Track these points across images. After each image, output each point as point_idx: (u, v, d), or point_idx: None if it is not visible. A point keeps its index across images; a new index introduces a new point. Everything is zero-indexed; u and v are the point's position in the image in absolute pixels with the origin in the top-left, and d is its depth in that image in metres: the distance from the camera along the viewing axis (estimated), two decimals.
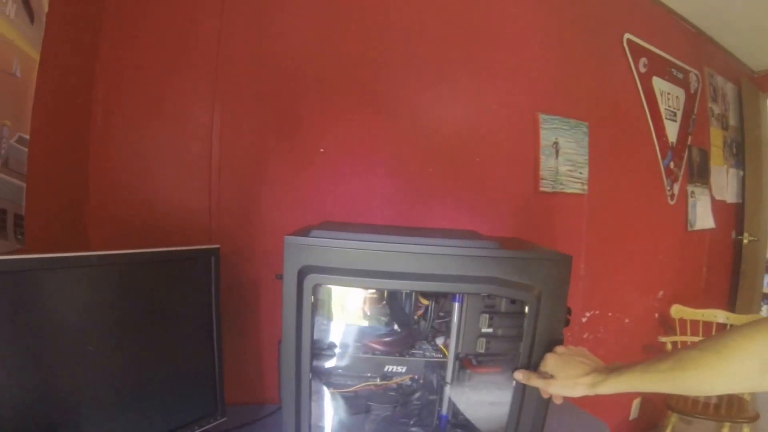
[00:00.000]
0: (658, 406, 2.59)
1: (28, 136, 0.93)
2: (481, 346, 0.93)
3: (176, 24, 1.25)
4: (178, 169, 1.26)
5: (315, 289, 0.80)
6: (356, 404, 1.00)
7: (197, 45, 1.26)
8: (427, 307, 0.97)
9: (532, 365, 0.84)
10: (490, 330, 0.93)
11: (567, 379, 0.76)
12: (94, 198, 1.18)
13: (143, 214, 1.22)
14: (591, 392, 0.75)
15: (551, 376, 0.79)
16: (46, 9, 0.98)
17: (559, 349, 0.82)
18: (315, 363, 0.93)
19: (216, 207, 1.27)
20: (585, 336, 2.10)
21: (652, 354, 2.52)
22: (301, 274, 0.79)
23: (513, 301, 0.92)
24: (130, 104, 1.21)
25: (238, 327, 1.30)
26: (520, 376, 0.83)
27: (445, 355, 0.95)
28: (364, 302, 0.99)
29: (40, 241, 0.95)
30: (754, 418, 2.06)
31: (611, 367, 0.75)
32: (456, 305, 0.91)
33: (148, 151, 1.24)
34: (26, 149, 0.92)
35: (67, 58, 1.10)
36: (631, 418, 2.51)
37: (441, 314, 0.99)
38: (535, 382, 0.81)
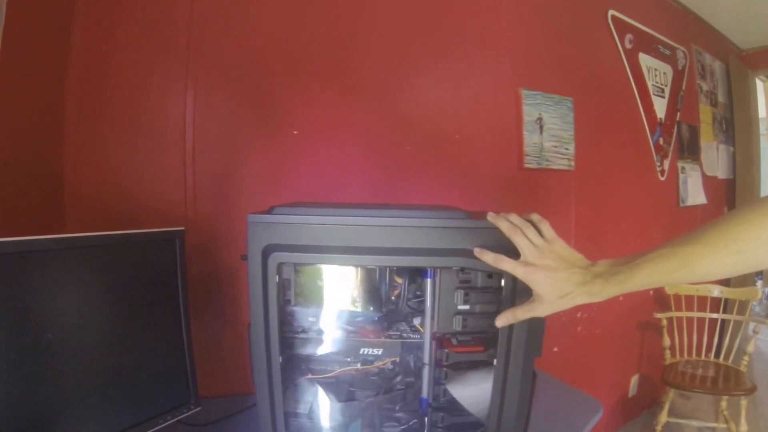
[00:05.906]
0: (656, 383, 2.58)
1: None
2: (458, 324, 0.90)
3: (148, 10, 1.21)
4: (154, 156, 1.24)
5: (280, 268, 0.77)
6: (338, 391, 0.97)
7: (169, 28, 1.23)
8: (401, 286, 0.94)
9: (518, 292, 0.76)
10: (467, 307, 0.90)
11: (560, 298, 0.68)
12: (70, 190, 1.15)
13: (122, 205, 1.19)
14: (590, 301, 0.67)
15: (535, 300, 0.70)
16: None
17: (536, 258, 0.69)
18: (290, 351, 0.91)
19: (191, 193, 1.25)
20: (579, 315, 2.08)
21: (648, 333, 2.51)
22: (265, 252, 0.76)
23: (489, 276, 0.89)
24: (104, 93, 1.19)
25: (220, 316, 1.28)
26: (503, 320, 0.74)
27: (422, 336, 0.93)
28: (337, 284, 0.96)
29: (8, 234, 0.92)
30: (752, 390, 2.05)
31: (603, 269, 0.66)
32: (428, 281, 0.88)
33: (124, 140, 1.21)
34: None
35: (34, 47, 1.07)
36: (630, 395, 2.51)
37: (418, 293, 0.96)
38: (523, 315, 0.72)
